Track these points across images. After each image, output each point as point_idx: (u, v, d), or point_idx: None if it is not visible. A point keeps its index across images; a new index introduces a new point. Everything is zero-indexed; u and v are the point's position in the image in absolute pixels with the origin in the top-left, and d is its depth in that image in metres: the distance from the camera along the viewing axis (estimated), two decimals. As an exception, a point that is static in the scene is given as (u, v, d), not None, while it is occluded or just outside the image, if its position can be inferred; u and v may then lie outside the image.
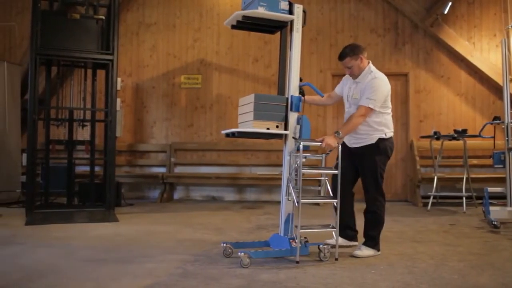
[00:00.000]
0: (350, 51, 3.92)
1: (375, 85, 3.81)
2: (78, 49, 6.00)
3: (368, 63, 3.96)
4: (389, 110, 3.97)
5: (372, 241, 3.86)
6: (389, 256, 3.80)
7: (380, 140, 3.88)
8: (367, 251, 3.82)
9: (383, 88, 3.84)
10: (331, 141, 3.72)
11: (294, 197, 3.59)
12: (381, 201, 3.90)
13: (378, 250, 3.86)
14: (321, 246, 3.66)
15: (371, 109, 3.77)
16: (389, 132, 3.94)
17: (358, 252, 3.81)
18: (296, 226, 3.67)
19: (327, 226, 3.80)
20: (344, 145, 3.99)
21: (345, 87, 4.11)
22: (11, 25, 8.91)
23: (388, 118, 3.95)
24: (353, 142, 3.99)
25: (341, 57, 3.95)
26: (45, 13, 5.98)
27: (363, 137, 3.91)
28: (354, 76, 3.97)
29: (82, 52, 6.03)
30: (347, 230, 4.05)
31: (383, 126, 3.89)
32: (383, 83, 3.86)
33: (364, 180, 3.96)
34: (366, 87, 3.83)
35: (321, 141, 3.73)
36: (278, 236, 3.74)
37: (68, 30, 6.02)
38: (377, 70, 3.96)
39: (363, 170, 3.96)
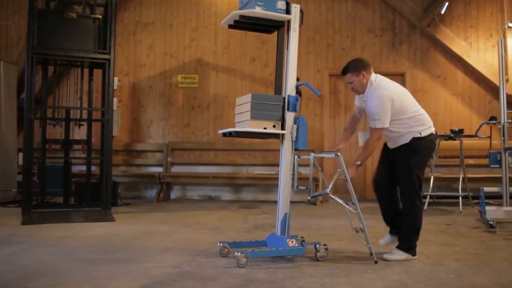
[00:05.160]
0: (351, 66, 3.84)
1: (374, 104, 3.71)
2: (75, 49, 5.99)
3: (370, 77, 3.83)
4: (413, 111, 3.79)
5: (405, 244, 3.73)
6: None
7: (415, 139, 3.73)
8: (397, 255, 3.68)
9: (383, 102, 3.68)
10: (352, 172, 3.73)
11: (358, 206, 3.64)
12: (418, 205, 3.75)
13: (413, 255, 3.71)
14: (317, 245, 3.66)
15: (380, 129, 3.69)
16: (425, 130, 3.77)
17: (387, 256, 3.69)
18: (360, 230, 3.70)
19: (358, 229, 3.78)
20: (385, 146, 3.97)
21: (361, 103, 3.99)
22: (8, 24, 8.89)
23: (416, 116, 3.78)
24: (390, 145, 3.91)
25: (343, 71, 3.88)
26: (41, 12, 5.96)
27: (397, 141, 3.81)
28: (357, 92, 3.90)
29: (79, 52, 6.02)
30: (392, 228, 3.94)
31: (412, 127, 3.74)
32: (382, 97, 3.70)
33: (399, 183, 3.85)
34: (371, 106, 3.74)
35: (335, 153, 3.75)
36: (275, 236, 3.74)
37: (65, 29, 6.00)
38: (379, 80, 3.81)
39: (398, 172, 3.84)
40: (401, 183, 3.83)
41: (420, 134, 3.75)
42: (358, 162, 3.75)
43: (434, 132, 3.87)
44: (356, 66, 3.82)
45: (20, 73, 7.73)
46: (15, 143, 7.60)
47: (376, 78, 3.81)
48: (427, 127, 3.80)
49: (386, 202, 3.95)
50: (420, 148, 3.76)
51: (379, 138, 3.75)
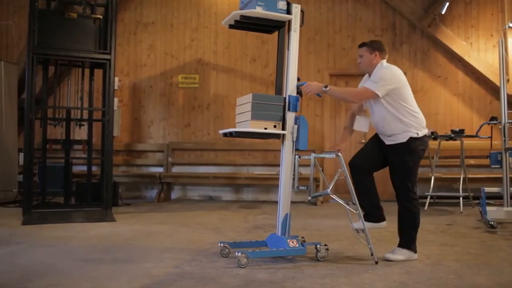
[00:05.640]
0: (369, 43, 3.92)
1: (381, 71, 3.76)
2: (76, 49, 5.99)
3: (382, 60, 3.87)
4: (415, 107, 3.82)
5: (407, 240, 3.73)
6: (386, 256, 3.80)
7: (412, 139, 3.75)
8: (399, 255, 3.68)
9: (390, 74, 3.73)
10: (314, 86, 3.74)
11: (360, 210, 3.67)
12: (415, 198, 3.82)
13: (415, 252, 3.72)
14: (318, 246, 3.66)
15: (371, 91, 3.67)
16: (421, 131, 3.79)
17: (389, 255, 3.69)
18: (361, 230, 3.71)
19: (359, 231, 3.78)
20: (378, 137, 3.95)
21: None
22: (8, 24, 8.90)
23: (416, 116, 3.80)
24: (388, 139, 3.87)
25: (360, 44, 3.95)
26: (42, 12, 5.96)
27: (392, 138, 3.80)
28: (363, 68, 3.93)
29: (80, 52, 6.02)
30: (369, 213, 3.90)
31: (410, 127, 3.74)
32: (391, 70, 3.77)
33: (393, 179, 3.86)
34: (374, 74, 3.79)
35: (336, 153, 3.75)
36: (275, 236, 3.74)
37: (65, 29, 6.00)
38: (390, 65, 3.87)
39: (393, 168, 3.86)
40: (400, 182, 3.83)
41: (418, 134, 3.76)
42: (327, 88, 3.73)
43: (427, 131, 3.90)
44: (374, 45, 3.89)
45: (20, 73, 7.74)
46: (16, 143, 7.61)
47: (385, 62, 3.87)
48: (423, 128, 3.83)
49: (362, 189, 3.89)
50: (417, 149, 3.78)
51: (361, 98, 3.78)
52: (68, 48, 5.96)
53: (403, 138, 3.75)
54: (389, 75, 3.73)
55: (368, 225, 3.80)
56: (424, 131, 3.83)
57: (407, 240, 3.74)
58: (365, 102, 3.93)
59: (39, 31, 5.81)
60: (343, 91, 3.81)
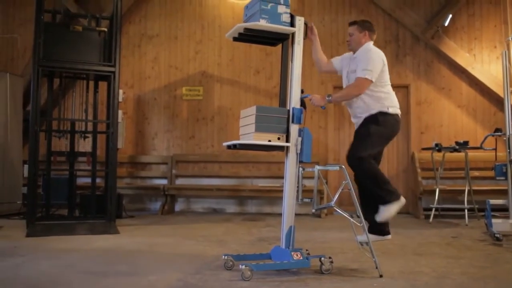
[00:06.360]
0: (360, 22, 4.14)
1: (369, 56, 3.87)
2: (80, 61, 6.03)
3: (369, 42, 4.03)
4: (388, 85, 3.94)
5: (384, 198, 3.73)
6: (391, 269, 3.77)
7: (381, 113, 3.84)
8: (386, 212, 3.71)
9: (377, 58, 3.87)
10: (318, 99, 3.81)
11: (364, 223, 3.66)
12: (369, 161, 3.77)
13: (397, 199, 3.73)
14: (322, 258, 3.64)
15: (368, 80, 3.78)
16: (392, 108, 3.88)
17: (378, 216, 3.74)
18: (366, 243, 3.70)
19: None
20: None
21: (344, 66, 4.15)
22: (14, 37, 8.98)
23: (388, 92, 3.92)
24: (355, 121, 4.01)
25: (351, 23, 4.14)
26: (48, 25, 6.01)
27: (362, 114, 3.92)
28: (351, 47, 4.08)
29: (84, 64, 6.06)
30: (374, 225, 3.90)
31: (382, 100, 3.86)
32: (377, 54, 3.90)
33: (352, 145, 3.90)
34: (361, 59, 3.88)
35: (340, 165, 3.75)
36: (279, 249, 3.72)
37: (70, 42, 6.05)
38: (374, 47, 4.00)
39: (355, 138, 3.93)
40: (355, 148, 3.85)
41: (388, 109, 3.86)
42: (330, 98, 3.84)
43: (399, 114, 3.96)
44: (365, 24, 4.12)
45: (26, 85, 7.79)
46: (21, 155, 7.63)
47: (373, 45, 4.03)
48: (395, 107, 3.92)
49: (367, 200, 3.94)
50: (384, 122, 3.85)
51: (360, 87, 3.82)
52: (73, 61, 6.00)
53: (373, 111, 3.86)
54: (376, 60, 3.86)
55: (373, 237, 3.80)
56: (396, 110, 3.92)
57: (384, 197, 3.75)
58: (346, 77, 4.08)
59: (44, 44, 5.86)
60: (344, 92, 3.88)
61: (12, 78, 7.54)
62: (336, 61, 4.31)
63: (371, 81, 3.79)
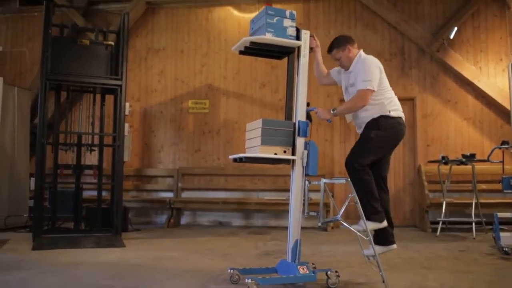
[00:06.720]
0: (336, 43, 4.07)
1: (365, 65, 3.87)
2: (87, 75, 6.08)
3: (358, 51, 4.03)
4: (388, 91, 3.94)
5: (368, 212, 3.70)
6: (398, 283, 3.74)
7: (382, 117, 3.84)
8: (362, 227, 3.64)
9: (374, 66, 3.87)
10: (324, 112, 3.81)
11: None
12: (360, 169, 3.75)
13: (381, 221, 3.71)
14: (329, 272, 3.61)
15: (370, 90, 3.78)
16: (394, 111, 3.88)
17: (355, 227, 3.68)
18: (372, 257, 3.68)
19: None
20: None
21: (342, 79, 4.17)
22: (22, 51, 9.08)
23: (390, 97, 3.92)
24: (360, 132, 4.02)
25: (329, 50, 4.10)
26: (55, 39, 6.08)
27: (364, 120, 3.93)
28: (345, 67, 4.06)
29: (91, 78, 6.11)
30: (379, 235, 3.88)
31: (383, 105, 3.86)
32: (372, 62, 3.90)
33: (351, 151, 3.90)
34: (358, 71, 3.88)
35: (346, 179, 3.74)
36: (285, 263, 3.70)
37: (77, 55, 6.11)
38: (367, 55, 4.00)
39: (356, 143, 3.94)
40: (353, 149, 3.88)
41: (389, 113, 3.86)
42: (335, 111, 3.83)
43: (403, 119, 3.95)
44: (341, 42, 4.06)
45: (33, 98, 7.85)
46: (28, 168, 7.67)
47: (364, 54, 4.01)
48: (398, 110, 3.92)
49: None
50: (386, 126, 3.84)
51: (365, 99, 3.80)
52: (80, 74, 6.05)
53: (373, 116, 3.87)
54: (373, 68, 3.86)
55: (379, 249, 3.78)
56: (398, 113, 3.91)
57: (369, 210, 3.72)
58: (347, 91, 4.08)
59: (52, 58, 5.91)
60: (349, 105, 3.87)
61: (20, 91, 7.61)
62: (334, 72, 4.34)
63: (373, 90, 3.80)
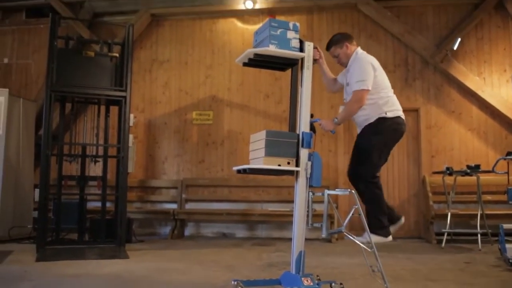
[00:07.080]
0: (334, 40, 4.12)
1: (357, 66, 3.89)
2: (92, 86, 6.12)
3: (356, 48, 4.06)
4: (385, 89, 3.94)
5: (376, 225, 3.70)
6: (403, 295, 3.72)
7: (379, 120, 3.83)
8: (366, 239, 3.63)
9: (366, 64, 3.87)
10: (327, 124, 3.83)
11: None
12: (372, 181, 3.77)
13: (386, 236, 3.71)
14: (333, 284, 3.59)
15: (365, 90, 3.79)
16: (391, 112, 3.88)
17: (360, 239, 3.68)
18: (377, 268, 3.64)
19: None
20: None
21: (344, 78, 4.19)
22: (28, 63, 9.15)
23: (387, 96, 3.91)
24: (359, 129, 4.03)
25: (327, 47, 4.13)
26: (61, 51, 6.12)
27: (363, 122, 3.93)
28: (343, 64, 4.10)
29: (96, 89, 6.14)
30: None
31: (381, 106, 3.86)
32: (365, 61, 3.90)
33: (357, 161, 3.89)
34: (352, 72, 3.91)
35: (350, 190, 3.73)
36: (289, 274, 3.68)
37: (82, 67, 6.15)
38: (363, 52, 4.01)
39: (357, 151, 3.92)
40: (359, 161, 3.86)
41: (386, 114, 3.85)
42: (336, 120, 3.84)
43: (402, 117, 3.94)
44: (339, 39, 4.10)
45: (38, 110, 7.89)
46: (32, 179, 7.69)
47: (361, 51, 4.04)
48: (395, 109, 3.91)
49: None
50: (384, 129, 3.84)
51: (361, 100, 3.81)
52: (85, 86, 6.09)
53: (372, 119, 3.87)
54: (366, 67, 3.87)
55: (374, 238, 3.77)
56: (396, 113, 3.91)
57: (376, 224, 3.73)
58: (348, 79, 4.08)
59: (57, 69, 5.96)
60: (347, 110, 3.90)
61: (25, 103, 7.64)
62: (340, 77, 4.38)
63: (368, 90, 3.81)
